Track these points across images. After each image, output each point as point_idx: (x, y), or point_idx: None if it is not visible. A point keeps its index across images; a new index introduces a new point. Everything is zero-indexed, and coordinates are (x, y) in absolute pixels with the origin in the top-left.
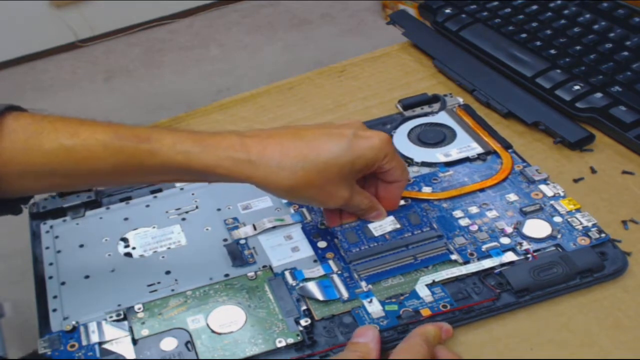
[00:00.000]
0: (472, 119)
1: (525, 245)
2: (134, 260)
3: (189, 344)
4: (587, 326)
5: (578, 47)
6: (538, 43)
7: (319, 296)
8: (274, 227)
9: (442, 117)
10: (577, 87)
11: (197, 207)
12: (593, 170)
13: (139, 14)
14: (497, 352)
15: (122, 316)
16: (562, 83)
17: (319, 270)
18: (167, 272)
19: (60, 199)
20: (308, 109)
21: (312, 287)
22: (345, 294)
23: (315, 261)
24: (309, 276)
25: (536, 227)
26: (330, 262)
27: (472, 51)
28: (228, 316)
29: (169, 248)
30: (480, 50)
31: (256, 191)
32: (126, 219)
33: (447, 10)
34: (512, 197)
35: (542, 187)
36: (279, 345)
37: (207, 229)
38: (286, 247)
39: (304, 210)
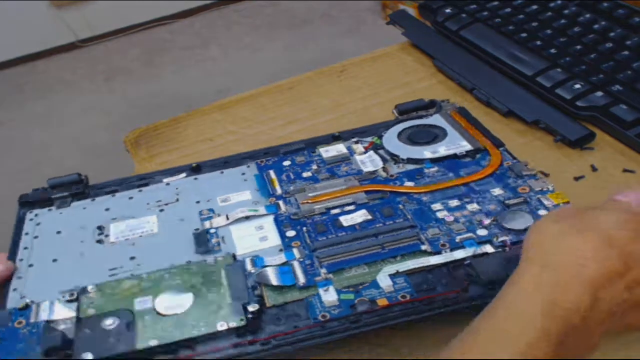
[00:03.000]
0: (465, 120)
1: (503, 237)
2: (103, 247)
3: (131, 324)
4: None
5: (578, 47)
6: (538, 42)
7: (274, 281)
8: (247, 218)
9: (436, 119)
10: (577, 86)
11: (177, 200)
12: (594, 169)
13: (139, 14)
14: None
15: (74, 296)
16: (562, 82)
17: (280, 258)
18: (132, 258)
19: (51, 189)
20: (308, 109)
21: (269, 273)
22: (302, 281)
23: (281, 250)
24: (270, 263)
25: (517, 219)
26: (295, 250)
27: (472, 51)
28: (176, 299)
29: (140, 236)
30: (481, 49)
31: (236, 185)
32: (107, 209)
33: (447, 10)
34: (497, 191)
35: (531, 181)
36: (220, 328)
37: (181, 220)
38: (255, 237)
39: (280, 202)
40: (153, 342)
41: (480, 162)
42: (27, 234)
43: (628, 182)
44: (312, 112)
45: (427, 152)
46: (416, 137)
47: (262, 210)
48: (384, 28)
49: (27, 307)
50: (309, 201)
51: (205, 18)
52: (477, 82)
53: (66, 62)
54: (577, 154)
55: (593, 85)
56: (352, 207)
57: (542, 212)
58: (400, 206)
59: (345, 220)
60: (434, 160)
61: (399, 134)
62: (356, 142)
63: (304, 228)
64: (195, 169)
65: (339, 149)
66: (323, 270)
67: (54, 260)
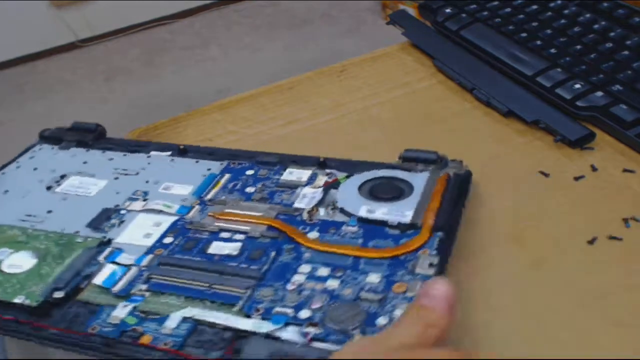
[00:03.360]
0: (444, 190)
1: (313, 330)
2: (46, 194)
3: None
4: None
5: (578, 47)
6: (538, 42)
7: (98, 279)
8: (159, 211)
9: (418, 178)
10: (577, 86)
11: (136, 174)
12: (594, 169)
13: (139, 14)
14: None
15: None
16: (562, 82)
17: (129, 259)
18: (49, 212)
19: (68, 131)
20: (308, 109)
21: (103, 270)
22: (118, 288)
23: (145, 252)
24: (119, 261)
25: (342, 318)
26: (149, 257)
27: (473, 51)
28: (23, 260)
29: (77, 195)
30: (481, 49)
31: (189, 177)
32: (85, 162)
33: (447, 10)
34: (373, 277)
35: (416, 282)
36: (16, 300)
37: (117, 192)
38: (143, 231)
39: (197, 207)
40: None
41: (400, 240)
42: (18, 163)
43: (628, 182)
44: (312, 112)
45: (363, 209)
46: (378, 189)
47: (174, 208)
48: (384, 28)
49: None
50: (214, 216)
51: (205, 18)
52: (477, 82)
53: (66, 62)
54: (577, 154)
55: (593, 85)
56: (237, 237)
57: (381, 319)
58: (273, 253)
59: (214, 248)
60: (361, 220)
61: (367, 181)
62: (327, 174)
63: (180, 239)
64: (182, 152)
65: (300, 175)
66: (143, 286)
67: (5, 192)
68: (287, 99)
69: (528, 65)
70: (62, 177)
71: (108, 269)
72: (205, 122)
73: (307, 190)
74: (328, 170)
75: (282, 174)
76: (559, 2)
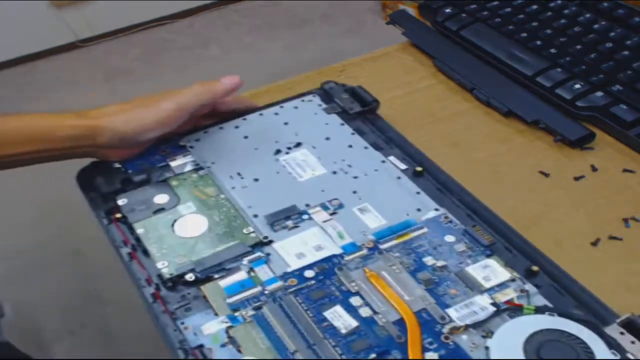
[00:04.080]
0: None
1: None
2: (269, 156)
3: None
4: None
5: (578, 47)
6: (538, 42)
7: (225, 281)
8: (330, 236)
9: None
10: (577, 86)
11: (355, 178)
12: (594, 169)
13: (139, 14)
14: None
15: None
16: (562, 82)
17: (265, 274)
18: (256, 180)
19: (350, 94)
20: None
21: (238, 273)
22: (232, 300)
23: (280, 277)
24: (256, 270)
25: None
26: (279, 283)
27: (473, 50)
28: (195, 226)
29: (289, 172)
30: (481, 49)
31: (394, 207)
32: (327, 138)
33: (447, 10)
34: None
35: None
36: (158, 264)
37: (322, 190)
38: (302, 249)
39: (364, 252)
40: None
41: None
42: (282, 107)
43: (628, 182)
44: None
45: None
46: (548, 350)
47: (343, 241)
48: (384, 28)
49: None
50: (367, 273)
51: (205, 18)
52: (477, 82)
53: (66, 62)
54: (577, 154)
55: (593, 85)
56: (362, 311)
57: None
58: (373, 356)
59: (332, 312)
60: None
61: (540, 334)
62: (522, 291)
63: (315, 283)
64: (416, 173)
65: (496, 273)
66: (251, 312)
67: (245, 137)
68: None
69: (528, 65)
70: (298, 145)
71: (240, 275)
72: None
73: (481, 300)
74: (528, 286)
75: (477, 261)
76: (559, 2)
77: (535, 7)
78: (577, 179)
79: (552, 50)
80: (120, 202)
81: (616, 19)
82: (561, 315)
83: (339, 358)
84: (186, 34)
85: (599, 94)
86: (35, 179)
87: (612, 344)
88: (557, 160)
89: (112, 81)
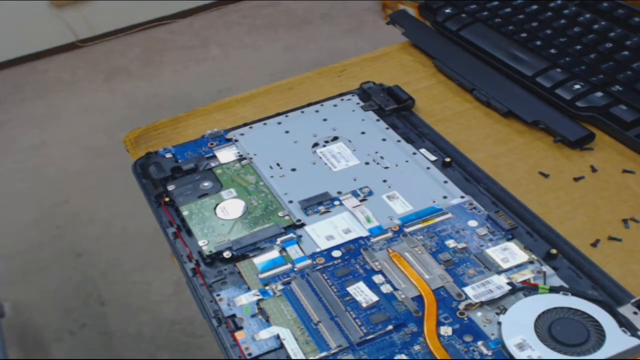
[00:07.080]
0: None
1: None
2: (306, 148)
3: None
4: None
5: (578, 47)
6: (538, 43)
7: (259, 259)
8: (358, 220)
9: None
10: (577, 86)
11: (386, 168)
12: (593, 169)
13: (139, 14)
14: None
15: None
16: (562, 82)
17: (295, 253)
18: (293, 170)
19: (387, 94)
20: None
21: (271, 251)
22: (264, 276)
23: (310, 256)
24: (288, 250)
25: None
26: (308, 261)
27: (472, 51)
28: (235, 210)
29: (325, 163)
30: (481, 49)
31: (422, 194)
32: (363, 133)
33: (447, 10)
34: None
35: None
36: (200, 242)
37: (354, 179)
38: (331, 231)
39: (390, 234)
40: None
41: None
42: (321, 105)
43: (627, 182)
44: None
45: (514, 340)
46: (561, 329)
47: (371, 224)
48: (384, 28)
49: None
50: (391, 253)
51: (205, 18)
52: (477, 82)
53: (66, 62)
54: (576, 154)
55: (593, 86)
56: (384, 287)
57: None
58: (390, 327)
59: (355, 288)
60: (504, 348)
61: (553, 311)
62: (538, 272)
63: (342, 262)
64: (445, 164)
65: (515, 256)
66: (280, 286)
67: (286, 132)
68: (287, 99)
69: (528, 66)
70: (334, 139)
71: (273, 254)
72: (206, 122)
73: (498, 279)
74: (546, 268)
75: (497, 244)
76: (559, 2)
77: (535, 7)
78: (576, 179)
79: (552, 51)
80: (170, 187)
81: (616, 19)
82: (574, 294)
83: (356, 332)
84: (186, 34)
85: (599, 94)
86: (35, 179)
87: (623, 322)
88: (557, 160)
89: (112, 81)
